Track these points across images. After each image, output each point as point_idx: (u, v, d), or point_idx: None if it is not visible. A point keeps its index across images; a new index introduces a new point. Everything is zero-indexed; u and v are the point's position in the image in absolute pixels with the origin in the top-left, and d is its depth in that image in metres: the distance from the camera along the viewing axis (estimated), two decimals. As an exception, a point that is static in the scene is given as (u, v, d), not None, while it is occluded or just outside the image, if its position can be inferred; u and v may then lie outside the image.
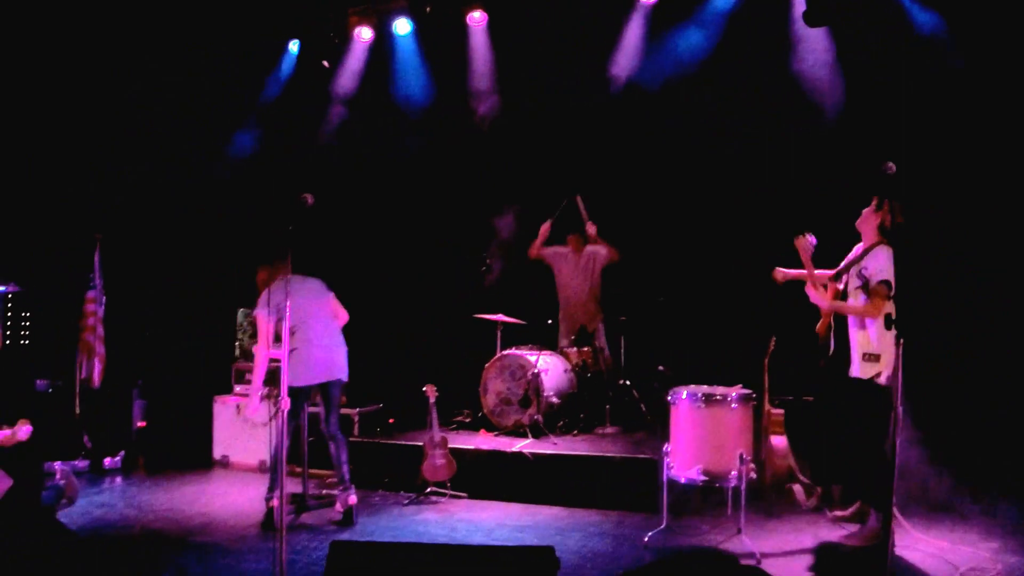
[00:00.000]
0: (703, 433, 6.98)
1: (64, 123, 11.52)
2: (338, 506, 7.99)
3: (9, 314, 12.08)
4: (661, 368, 9.81)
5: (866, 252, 6.84)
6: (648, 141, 10.67)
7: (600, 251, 10.63)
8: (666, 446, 7.27)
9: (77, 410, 10.40)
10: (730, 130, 10.24)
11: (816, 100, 10.01)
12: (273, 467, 7.96)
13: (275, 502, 7.57)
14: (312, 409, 8.46)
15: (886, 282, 6.57)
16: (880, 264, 6.67)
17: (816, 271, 7.18)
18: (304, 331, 7.88)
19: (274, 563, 5.41)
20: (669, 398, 7.30)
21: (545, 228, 10.76)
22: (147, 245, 12.10)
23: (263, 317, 7.82)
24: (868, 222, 6.94)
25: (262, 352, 7.93)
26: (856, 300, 6.83)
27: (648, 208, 10.78)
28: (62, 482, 8.15)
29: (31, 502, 7.40)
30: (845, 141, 9.48)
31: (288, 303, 6.85)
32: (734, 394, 6.99)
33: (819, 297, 7.08)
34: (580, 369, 10.18)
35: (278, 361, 7.98)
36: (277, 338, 7.81)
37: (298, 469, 8.35)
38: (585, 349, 10.29)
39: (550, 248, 10.87)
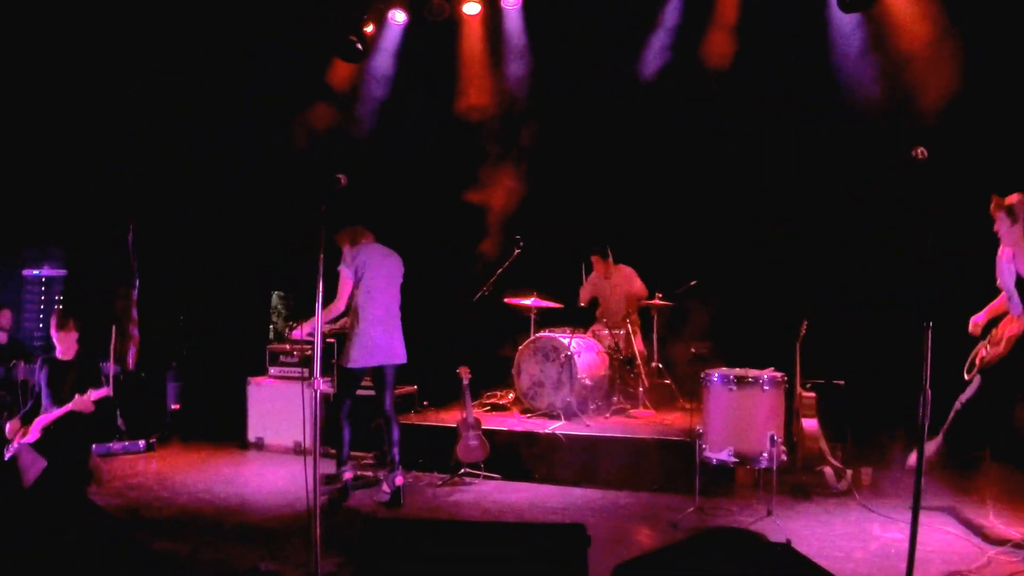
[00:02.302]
0: (735, 415, 7.01)
1: (98, 109, 11.62)
2: (385, 487, 8.05)
3: (42, 297, 12.25)
4: (693, 350, 9.81)
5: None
6: (683, 126, 10.66)
7: (633, 281, 10.76)
8: (699, 427, 7.28)
9: (111, 393, 10.51)
10: (764, 116, 10.21)
11: (849, 87, 9.96)
12: (338, 447, 8.15)
13: (348, 474, 7.88)
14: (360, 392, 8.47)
15: None
16: None
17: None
18: (369, 310, 7.95)
19: (309, 544, 5.47)
20: (702, 380, 7.31)
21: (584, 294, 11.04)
22: (182, 229, 12.19)
23: (346, 276, 7.87)
24: (1008, 227, 6.85)
25: (336, 309, 8.00)
26: None
27: (682, 192, 10.77)
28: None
29: (72, 484, 7.51)
30: (878, 127, 9.42)
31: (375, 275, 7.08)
32: (766, 376, 6.99)
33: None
34: (613, 351, 10.19)
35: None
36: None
37: (333, 450, 8.40)
38: (618, 332, 10.30)
39: (590, 285, 11.02)
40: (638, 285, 10.72)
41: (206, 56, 11.57)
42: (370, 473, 8.91)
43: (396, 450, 8.09)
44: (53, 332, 7.98)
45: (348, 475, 8.13)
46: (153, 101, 11.81)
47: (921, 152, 5.29)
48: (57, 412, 7.49)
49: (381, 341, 8.01)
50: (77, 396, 7.46)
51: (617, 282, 10.80)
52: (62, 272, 12.54)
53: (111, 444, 10.25)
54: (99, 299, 11.35)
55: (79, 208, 12.01)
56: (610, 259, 10.77)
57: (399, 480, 7.96)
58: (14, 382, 10.55)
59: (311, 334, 8.46)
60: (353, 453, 8.58)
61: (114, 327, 10.70)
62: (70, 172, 11.85)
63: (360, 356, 7.95)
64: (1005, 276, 6.75)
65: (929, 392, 4.70)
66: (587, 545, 3.44)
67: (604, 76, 10.96)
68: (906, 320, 7.15)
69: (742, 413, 6.97)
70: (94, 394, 7.50)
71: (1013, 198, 6.75)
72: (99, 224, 11.78)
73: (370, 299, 7.97)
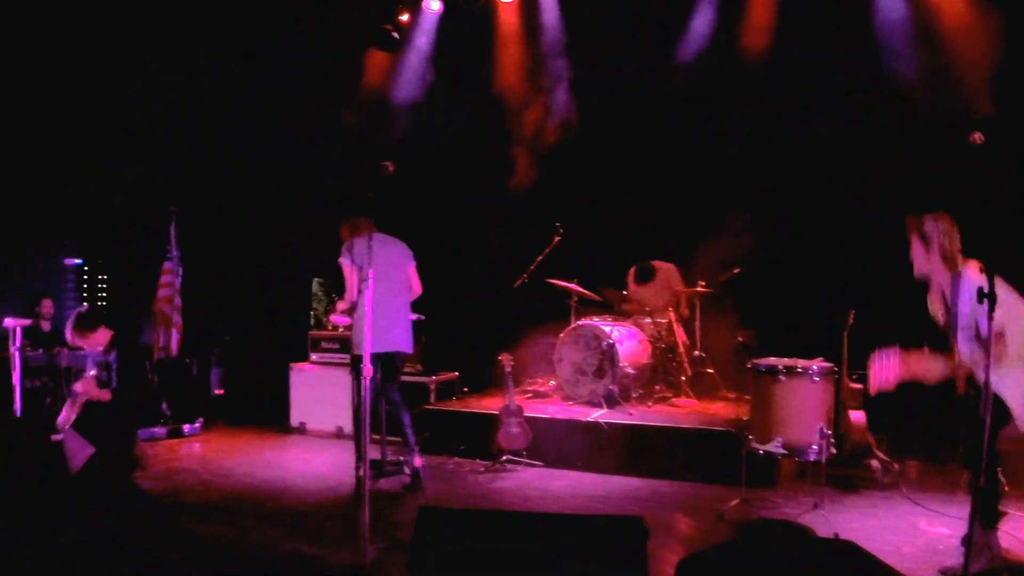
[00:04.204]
0: (784, 406, 6.92)
1: (140, 97, 11.67)
2: (406, 469, 8.10)
3: (85, 285, 12.34)
4: (740, 339, 9.75)
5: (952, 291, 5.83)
6: (724, 111, 10.55)
7: (673, 279, 10.74)
8: (745, 418, 7.22)
9: (155, 378, 10.58)
10: (808, 101, 10.09)
11: (897, 69, 9.82)
12: (356, 436, 8.11)
13: (361, 472, 7.71)
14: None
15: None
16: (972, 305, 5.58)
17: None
18: (366, 298, 7.93)
19: (351, 529, 5.48)
20: (750, 369, 7.25)
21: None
22: (224, 216, 12.25)
23: (347, 265, 7.87)
24: (924, 255, 5.99)
25: (350, 299, 8.08)
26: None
27: (726, 178, 10.67)
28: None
29: (118, 470, 7.55)
30: (930, 112, 9.28)
31: (370, 263, 6.99)
32: (816, 367, 6.92)
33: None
34: (655, 340, 10.14)
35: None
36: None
37: (376, 436, 8.40)
38: (660, 320, 10.24)
39: (634, 296, 10.93)
40: (677, 283, 10.68)
41: (246, 44, 11.60)
42: (404, 456, 8.94)
43: (410, 431, 8.14)
44: (79, 343, 7.88)
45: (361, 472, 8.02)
46: (194, 90, 11.86)
47: (978, 137, 5.17)
48: (74, 390, 7.46)
49: (379, 329, 7.96)
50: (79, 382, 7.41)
51: (656, 288, 10.74)
52: (101, 261, 12.61)
53: (155, 429, 10.34)
54: (141, 286, 11.44)
55: (120, 198, 12.10)
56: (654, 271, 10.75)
57: (417, 462, 8.02)
58: (57, 368, 10.65)
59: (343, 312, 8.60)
60: (393, 438, 8.65)
61: (155, 314, 10.81)
62: (111, 161, 11.92)
63: (361, 342, 7.93)
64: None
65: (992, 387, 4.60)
66: (646, 537, 3.40)
67: (643, 61, 10.87)
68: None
69: (791, 404, 6.89)
70: (88, 374, 7.37)
71: (925, 222, 6.00)
72: (140, 215, 11.88)
73: (367, 288, 7.95)
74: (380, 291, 7.95)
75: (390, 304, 8.08)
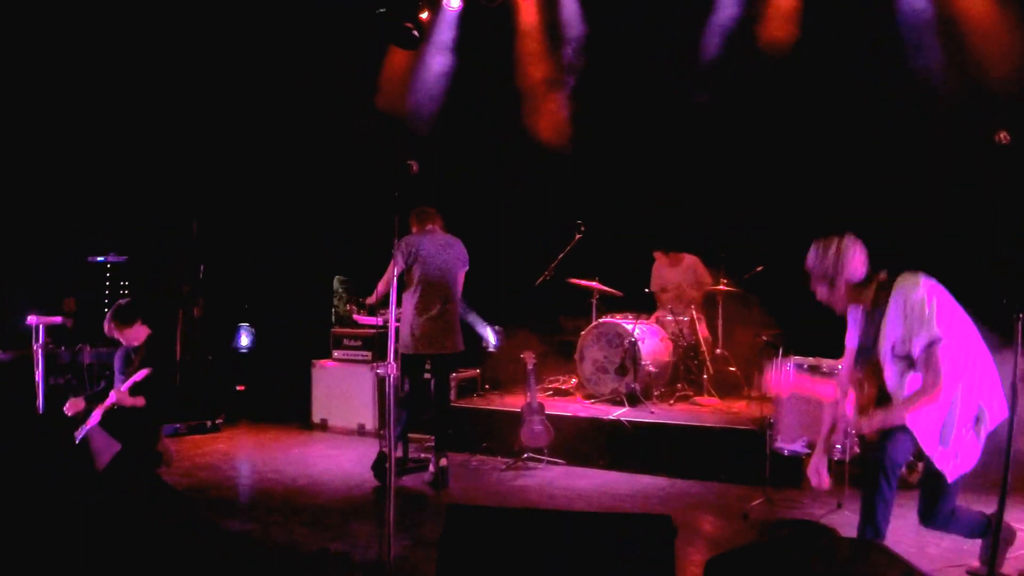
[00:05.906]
0: (809, 405, 6.88)
1: (163, 98, 11.73)
2: (431, 467, 8.13)
3: (107, 283, 12.41)
4: (765, 338, 9.72)
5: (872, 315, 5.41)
6: (746, 106, 10.51)
7: (698, 269, 10.70)
8: (770, 417, 7.20)
9: (178, 375, 10.63)
10: (833, 96, 10.05)
11: (919, 68, 9.76)
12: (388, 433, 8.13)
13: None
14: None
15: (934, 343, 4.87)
16: (905, 321, 5.11)
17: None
18: (417, 298, 8.00)
19: (375, 526, 5.48)
20: (774, 369, 7.22)
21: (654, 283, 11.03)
22: (246, 215, 12.29)
23: (396, 260, 7.71)
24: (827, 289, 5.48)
25: (379, 290, 8.21)
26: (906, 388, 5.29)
27: (748, 175, 10.63)
28: None
29: (143, 465, 7.58)
30: (955, 109, 9.22)
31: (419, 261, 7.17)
32: (840, 366, 6.87)
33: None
34: (677, 338, 10.12)
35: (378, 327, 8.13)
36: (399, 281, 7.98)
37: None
38: (682, 319, 10.22)
39: (657, 274, 11.02)
40: (703, 274, 10.63)
41: (269, 43, 11.62)
42: (432, 454, 8.96)
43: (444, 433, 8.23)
44: (115, 335, 7.91)
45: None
46: (218, 88, 11.89)
47: (1004, 136, 5.13)
48: (107, 402, 7.51)
49: (429, 331, 8.06)
50: (113, 391, 7.47)
51: (682, 272, 10.71)
52: (125, 259, 12.67)
53: (178, 425, 10.38)
54: (165, 285, 11.50)
55: (144, 196, 12.15)
56: (672, 253, 10.71)
57: (443, 461, 8.06)
58: (80, 365, 10.72)
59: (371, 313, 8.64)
60: (417, 436, 8.66)
61: (181, 312, 10.85)
62: (135, 160, 11.96)
63: (410, 343, 8.07)
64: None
65: (1021, 385, 4.56)
66: (675, 535, 3.41)
67: (664, 57, 10.84)
68: (985, 308, 7.04)
69: (816, 403, 6.85)
70: (123, 386, 7.43)
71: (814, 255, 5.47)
72: (163, 213, 11.94)
73: (420, 288, 8.03)
74: (432, 294, 8.03)
75: (441, 307, 8.13)
